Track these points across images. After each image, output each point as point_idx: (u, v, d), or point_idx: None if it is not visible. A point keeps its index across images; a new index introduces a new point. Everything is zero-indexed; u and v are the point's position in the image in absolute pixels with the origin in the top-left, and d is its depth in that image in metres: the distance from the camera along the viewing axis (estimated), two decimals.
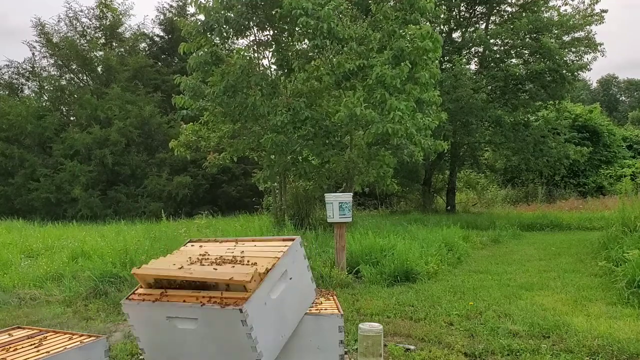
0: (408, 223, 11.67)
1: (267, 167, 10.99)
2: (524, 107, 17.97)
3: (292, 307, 3.22)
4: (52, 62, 23.55)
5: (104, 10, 24.03)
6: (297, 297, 3.29)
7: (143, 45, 25.59)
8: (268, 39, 11.39)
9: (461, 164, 20.04)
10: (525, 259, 8.93)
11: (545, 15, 17.38)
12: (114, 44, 24.61)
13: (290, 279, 3.21)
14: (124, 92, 21.28)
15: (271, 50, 11.36)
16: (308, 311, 3.41)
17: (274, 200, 11.94)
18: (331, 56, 10.30)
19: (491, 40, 17.10)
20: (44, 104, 23.15)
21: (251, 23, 10.75)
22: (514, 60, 17.78)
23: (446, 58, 17.21)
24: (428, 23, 10.91)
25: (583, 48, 17.33)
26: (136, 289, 3.23)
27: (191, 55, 10.60)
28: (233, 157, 11.78)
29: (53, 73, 23.76)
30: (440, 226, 10.73)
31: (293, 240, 3.42)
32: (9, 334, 3.09)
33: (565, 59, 16.65)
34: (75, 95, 23.01)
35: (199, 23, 10.67)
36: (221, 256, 3.32)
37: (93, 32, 24.20)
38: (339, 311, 3.40)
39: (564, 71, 16.50)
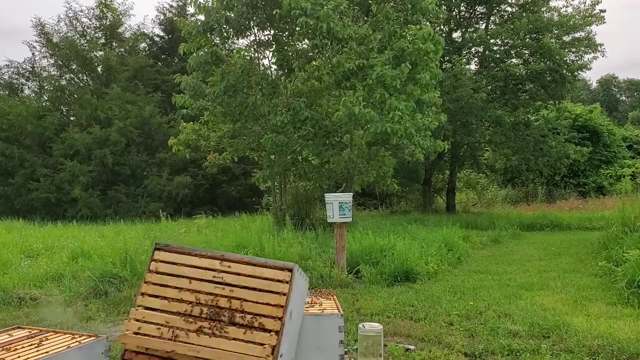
0: (408, 223, 11.66)
1: (267, 167, 10.99)
2: (524, 107, 17.97)
3: (295, 328, 3.08)
4: (52, 62, 23.56)
5: (104, 10, 24.02)
6: (298, 315, 3.12)
7: (143, 45, 25.58)
8: (268, 39, 11.39)
9: (461, 164, 20.04)
10: (525, 259, 8.93)
11: (546, 15, 17.37)
12: (114, 44, 24.60)
13: (291, 312, 2.90)
14: (124, 92, 21.27)
15: (271, 50, 11.36)
16: (308, 311, 3.41)
17: (274, 200, 11.94)
18: (331, 56, 10.30)
19: (491, 40, 17.10)
20: (44, 104, 23.14)
21: (251, 23, 10.75)
22: (514, 60, 17.78)
23: (446, 58, 17.20)
24: (428, 23, 10.90)
25: (583, 48, 17.33)
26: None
27: (191, 55, 10.60)
28: (233, 157, 11.78)
29: (53, 73, 23.76)
30: (440, 226, 10.73)
31: (291, 271, 2.86)
32: (9, 334, 3.09)
33: (565, 58, 16.65)
34: (75, 95, 23.00)
35: (199, 23, 10.68)
36: (215, 304, 2.86)
37: (93, 32, 24.19)
38: (339, 311, 3.40)
39: (564, 71, 16.50)
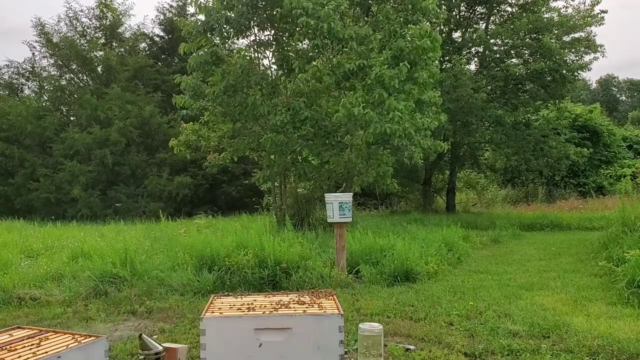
0: (408, 223, 11.66)
1: (267, 167, 10.99)
2: (524, 107, 17.96)
3: None
4: (52, 62, 23.54)
5: (104, 10, 24.00)
6: None
7: (143, 45, 25.55)
8: (269, 39, 11.39)
9: (461, 164, 20.02)
10: (525, 259, 8.93)
11: (546, 15, 17.37)
12: (114, 44, 24.58)
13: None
14: (124, 92, 21.25)
15: (271, 50, 11.36)
16: (308, 311, 3.41)
17: (274, 200, 11.94)
18: (331, 56, 10.30)
19: (491, 40, 17.09)
20: (44, 104, 23.12)
21: (251, 23, 10.75)
22: (514, 60, 17.77)
23: (446, 58, 17.20)
24: (428, 23, 10.89)
25: (583, 49, 17.32)
26: None
27: (191, 55, 10.60)
28: (233, 157, 11.78)
29: (53, 73, 23.75)
30: (440, 226, 10.72)
31: None
32: (9, 334, 3.09)
33: (565, 59, 16.64)
34: (75, 95, 22.99)
35: (199, 23, 10.68)
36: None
37: (93, 32, 24.18)
38: (339, 311, 3.40)
39: (564, 71, 16.49)
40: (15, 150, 20.50)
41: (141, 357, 3.56)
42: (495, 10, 18.69)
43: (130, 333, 4.74)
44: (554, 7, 17.94)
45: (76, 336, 3.00)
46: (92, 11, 23.83)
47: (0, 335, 3.05)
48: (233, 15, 10.37)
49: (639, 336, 4.32)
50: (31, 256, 8.55)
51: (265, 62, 11.65)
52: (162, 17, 25.06)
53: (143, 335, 3.61)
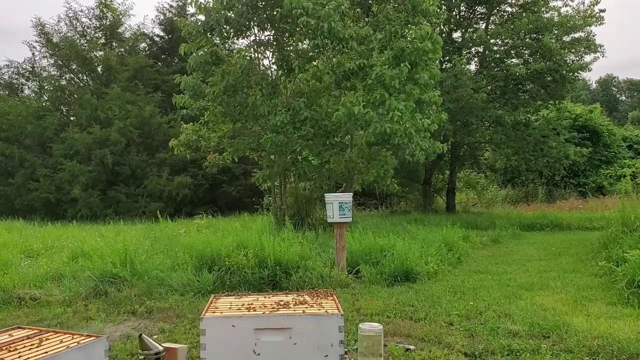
0: (408, 223, 11.66)
1: (267, 167, 10.99)
2: (524, 107, 17.96)
3: None
4: (52, 62, 23.55)
5: (104, 10, 24.01)
6: None
7: (143, 45, 25.56)
8: (269, 39, 11.39)
9: (461, 164, 20.02)
10: (525, 259, 8.93)
11: (546, 15, 17.37)
12: (114, 44, 24.59)
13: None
14: (124, 92, 21.25)
15: (271, 50, 11.36)
16: (308, 311, 3.41)
17: (274, 200, 11.94)
18: (331, 56, 10.30)
19: (491, 40, 17.09)
20: (44, 104, 23.13)
21: (251, 23, 10.75)
22: (514, 60, 17.77)
23: (446, 58, 17.19)
24: (428, 24, 10.89)
25: (583, 49, 17.32)
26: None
27: (191, 55, 10.59)
28: (233, 157, 11.78)
29: (53, 73, 23.75)
30: (440, 226, 10.72)
31: None
32: (9, 334, 3.09)
33: (565, 59, 16.64)
34: (75, 95, 22.99)
35: (199, 23, 10.67)
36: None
37: (93, 32, 24.18)
38: (339, 311, 3.40)
39: (564, 71, 16.49)
40: (15, 150, 20.50)
41: (141, 357, 3.56)
42: (495, 10, 18.68)
43: (130, 333, 4.74)
44: (554, 7, 17.93)
45: (76, 336, 2.99)
46: (92, 11, 23.88)
47: (0, 335, 3.05)
48: (233, 15, 10.37)
49: (639, 336, 4.32)
50: (31, 256, 8.55)
51: (265, 62, 11.68)
52: (162, 17, 25.09)
53: (143, 335, 3.61)
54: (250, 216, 14.10)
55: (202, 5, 10.50)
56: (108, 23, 24.32)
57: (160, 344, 3.64)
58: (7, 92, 23.65)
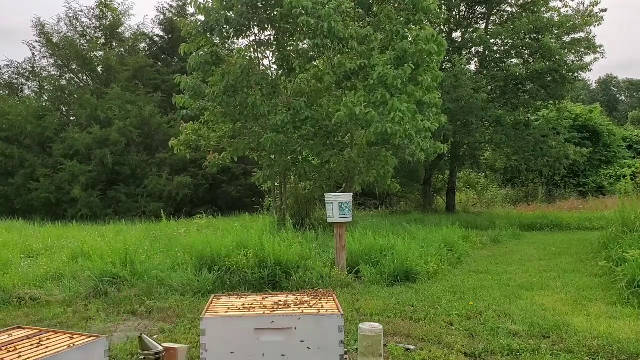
0: (408, 223, 11.66)
1: (267, 167, 10.99)
2: (524, 107, 17.96)
3: None
4: (52, 62, 23.53)
5: (104, 10, 24.00)
6: None
7: (143, 45, 25.56)
8: (269, 39, 11.39)
9: (461, 164, 20.02)
10: (525, 259, 8.93)
11: (546, 15, 17.37)
12: (114, 44, 24.58)
13: None
14: (124, 92, 21.24)
15: (272, 50, 11.35)
16: (308, 311, 3.41)
17: (274, 201, 11.94)
18: (332, 56, 10.30)
19: (491, 40, 17.09)
20: (44, 104, 23.11)
21: (251, 23, 10.75)
22: (514, 60, 17.77)
23: (446, 58, 17.17)
24: (429, 23, 10.90)
25: (583, 49, 17.32)
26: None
27: (191, 56, 10.59)
28: (233, 157, 11.78)
29: (53, 73, 23.74)
30: (440, 226, 10.73)
31: None
32: (9, 334, 3.09)
33: (565, 59, 16.64)
34: (75, 95, 22.98)
35: (199, 23, 10.67)
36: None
37: (93, 32, 24.18)
38: (339, 311, 3.40)
39: (564, 71, 16.49)
40: (15, 150, 20.49)
41: (141, 357, 3.56)
42: (495, 10, 18.68)
43: (130, 333, 4.75)
44: (554, 7, 17.94)
45: (76, 336, 2.99)
46: (92, 11, 23.87)
47: (0, 335, 3.05)
48: (233, 15, 10.37)
49: (639, 336, 4.32)
50: (31, 256, 8.54)
51: (266, 62, 11.67)
52: (162, 17, 25.10)
53: (143, 335, 3.61)
54: (251, 216, 14.09)
55: (202, 6, 10.50)
56: (108, 23, 24.32)
57: (160, 344, 3.64)
58: (7, 92, 23.64)
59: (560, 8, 17.87)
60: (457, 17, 18.82)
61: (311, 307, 3.53)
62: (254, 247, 6.83)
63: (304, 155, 11.10)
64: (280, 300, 3.72)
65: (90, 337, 2.99)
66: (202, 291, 6.16)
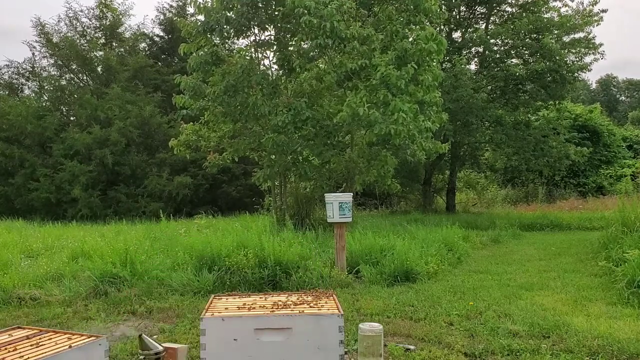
0: (408, 223, 11.65)
1: (267, 167, 10.99)
2: (525, 107, 17.97)
3: None
4: (52, 62, 23.52)
5: (104, 10, 24.00)
6: None
7: (143, 45, 25.56)
8: (270, 39, 11.39)
9: (461, 164, 20.02)
10: (525, 259, 8.93)
11: (546, 15, 17.37)
12: (114, 44, 24.58)
13: None
14: (124, 92, 21.24)
15: (272, 50, 11.35)
16: (308, 311, 3.41)
17: (274, 200, 11.94)
18: (333, 56, 10.30)
19: (491, 41, 17.09)
20: (44, 104, 23.10)
21: (251, 23, 10.75)
22: (514, 60, 17.78)
23: (446, 58, 17.17)
24: (429, 23, 10.89)
25: (583, 50, 17.32)
26: None
27: (191, 56, 10.59)
28: (233, 157, 11.77)
29: (53, 73, 23.73)
30: (440, 226, 10.72)
31: None
32: (9, 334, 3.09)
33: (565, 59, 16.64)
34: (75, 95, 22.97)
35: (199, 23, 10.67)
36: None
37: (93, 32, 24.17)
38: (339, 311, 3.40)
39: (564, 71, 16.49)
40: (15, 150, 20.48)
41: (141, 357, 3.56)
42: (495, 10, 18.69)
43: (130, 333, 4.75)
44: (554, 7, 17.94)
45: (76, 336, 3.00)
46: (92, 11, 23.86)
47: (0, 335, 3.05)
48: (233, 15, 10.37)
49: (639, 336, 4.32)
50: (31, 256, 8.54)
51: (266, 62, 11.67)
52: (162, 17, 25.10)
53: (143, 335, 3.61)
54: (251, 216, 14.10)
55: (202, 6, 10.50)
56: (108, 23, 24.31)
57: (160, 344, 3.64)
58: (7, 92, 23.63)
59: (560, 8, 17.90)
60: (457, 17, 18.82)
61: (311, 307, 3.53)
62: (254, 247, 6.83)
63: (304, 155, 11.10)
64: (280, 300, 3.72)
65: (90, 337, 2.99)
66: (202, 291, 6.16)
